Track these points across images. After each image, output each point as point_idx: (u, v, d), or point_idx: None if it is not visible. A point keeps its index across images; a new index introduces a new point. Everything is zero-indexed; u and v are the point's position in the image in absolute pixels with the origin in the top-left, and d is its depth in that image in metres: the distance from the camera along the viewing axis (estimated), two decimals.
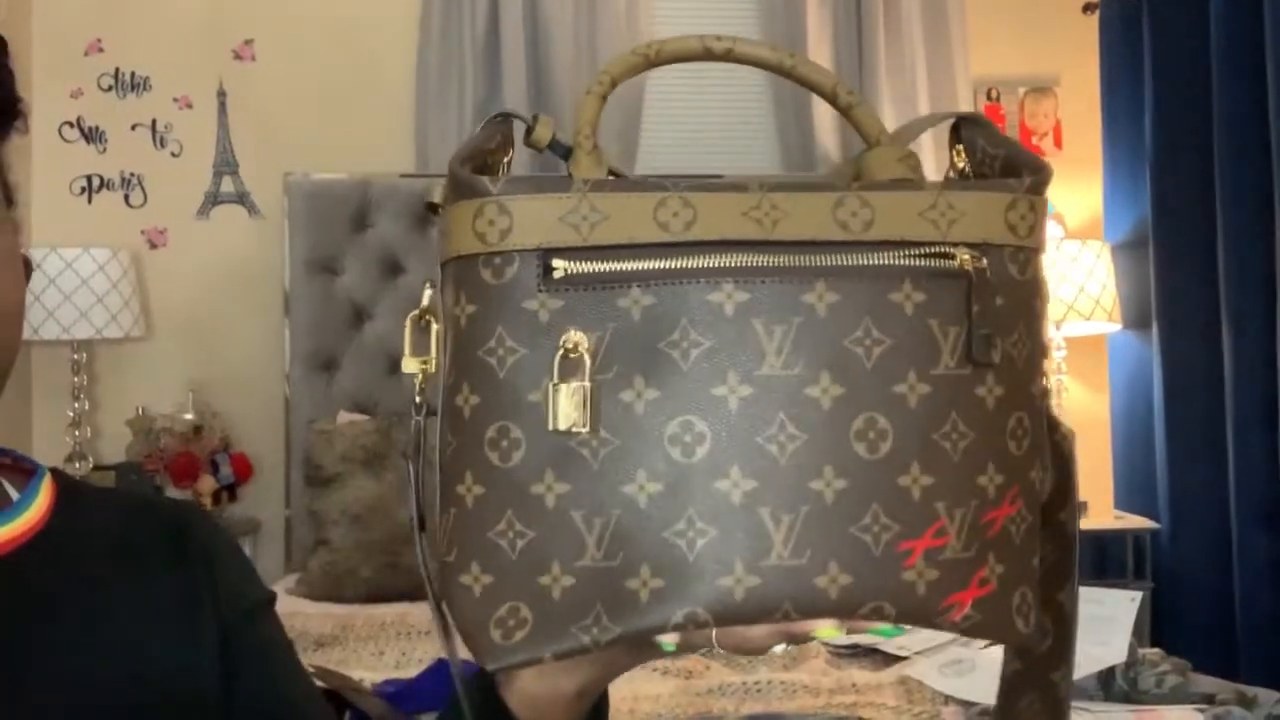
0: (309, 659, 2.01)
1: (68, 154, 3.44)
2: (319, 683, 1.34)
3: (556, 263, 0.53)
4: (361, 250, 3.29)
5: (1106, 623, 1.91)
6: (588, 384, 0.52)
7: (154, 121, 3.47)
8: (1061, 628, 0.62)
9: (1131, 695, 1.82)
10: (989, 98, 3.70)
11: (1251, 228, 3.00)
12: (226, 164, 3.49)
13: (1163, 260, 3.37)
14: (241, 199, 3.49)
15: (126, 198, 3.46)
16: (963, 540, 0.54)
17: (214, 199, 3.49)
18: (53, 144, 3.43)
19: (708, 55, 0.60)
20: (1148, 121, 3.41)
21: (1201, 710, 1.75)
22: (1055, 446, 0.60)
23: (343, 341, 3.28)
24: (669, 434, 0.52)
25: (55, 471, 0.84)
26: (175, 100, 3.47)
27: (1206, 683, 1.87)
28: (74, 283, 3.05)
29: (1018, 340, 0.56)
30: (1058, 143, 3.73)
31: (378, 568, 2.77)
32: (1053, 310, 3.26)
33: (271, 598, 0.90)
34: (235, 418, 3.39)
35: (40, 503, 0.78)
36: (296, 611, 2.53)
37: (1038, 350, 0.57)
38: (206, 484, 3.18)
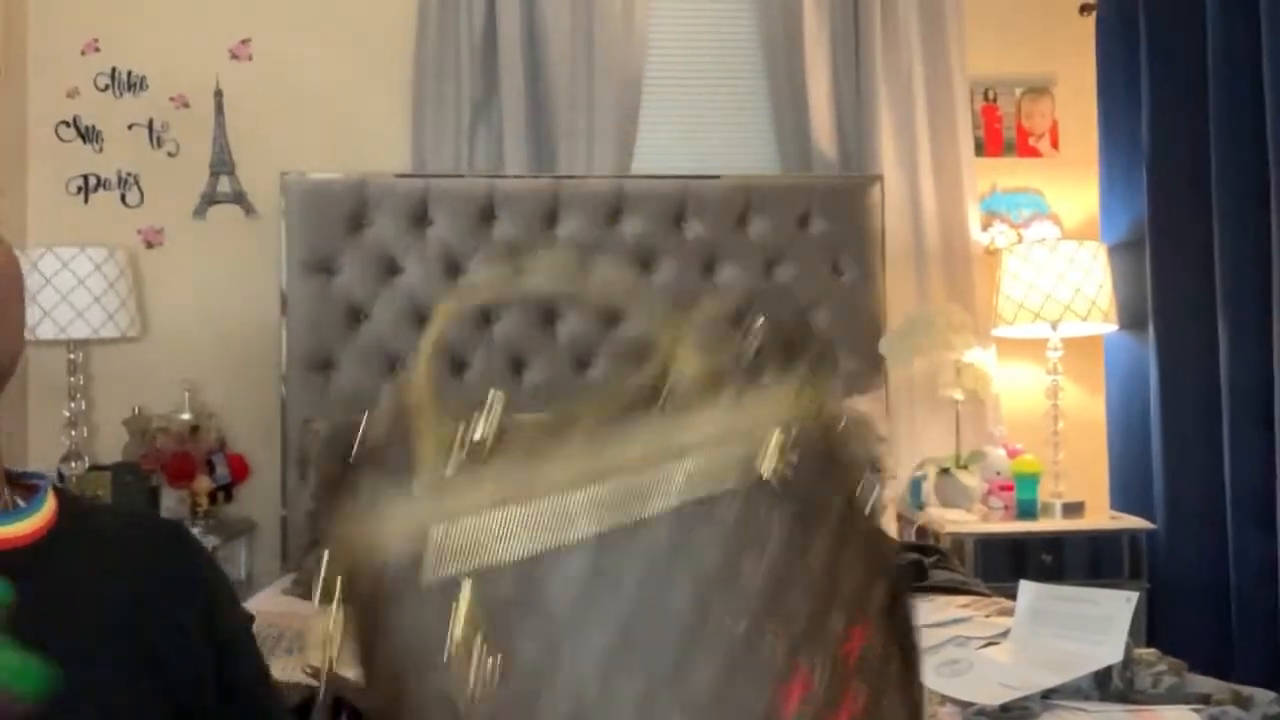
0: (305, 659, 2.00)
1: (64, 153, 3.44)
2: (314, 683, 1.35)
3: None
4: (358, 250, 3.29)
5: (1102, 623, 1.91)
6: None
7: (150, 121, 3.47)
8: (913, 713, 0.69)
9: (1128, 695, 1.82)
10: (986, 98, 3.71)
11: (1247, 228, 3.00)
12: (223, 164, 3.49)
13: (1159, 261, 3.38)
14: (238, 199, 3.49)
15: (123, 197, 3.46)
16: (826, 679, 0.62)
17: (210, 199, 3.49)
18: (49, 143, 3.43)
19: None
20: (1144, 122, 3.42)
21: (1198, 710, 1.75)
22: (883, 556, 0.67)
23: (339, 341, 3.28)
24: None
25: (54, 485, 0.90)
26: (172, 100, 3.47)
27: (1202, 683, 1.88)
28: (70, 282, 3.05)
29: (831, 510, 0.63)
30: (1054, 143, 3.73)
31: None
32: (1049, 310, 3.26)
33: (253, 619, 0.97)
34: (231, 418, 3.39)
35: (49, 506, 0.84)
36: (292, 611, 2.51)
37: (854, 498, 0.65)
38: (203, 484, 3.18)
